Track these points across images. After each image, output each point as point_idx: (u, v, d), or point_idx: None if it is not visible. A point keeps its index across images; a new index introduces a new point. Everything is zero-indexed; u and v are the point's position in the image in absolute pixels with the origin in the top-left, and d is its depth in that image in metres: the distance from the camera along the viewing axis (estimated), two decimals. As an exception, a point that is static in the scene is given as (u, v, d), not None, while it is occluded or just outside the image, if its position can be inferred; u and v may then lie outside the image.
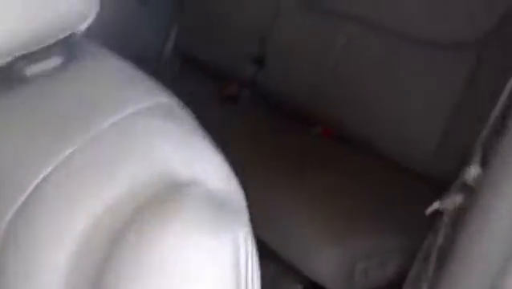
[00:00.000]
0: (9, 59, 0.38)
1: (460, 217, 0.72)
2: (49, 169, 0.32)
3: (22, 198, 0.32)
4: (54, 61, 0.40)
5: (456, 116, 1.28)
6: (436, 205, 0.79)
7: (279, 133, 1.52)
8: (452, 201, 0.76)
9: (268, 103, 1.72)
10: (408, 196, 1.20)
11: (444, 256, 0.71)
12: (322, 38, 1.57)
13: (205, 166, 0.34)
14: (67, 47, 0.41)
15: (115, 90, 0.39)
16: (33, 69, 0.39)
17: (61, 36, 0.39)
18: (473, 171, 0.72)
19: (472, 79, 1.26)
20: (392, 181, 1.27)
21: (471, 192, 0.71)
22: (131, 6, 1.84)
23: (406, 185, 1.26)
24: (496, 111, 0.75)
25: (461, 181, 0.75)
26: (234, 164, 1.34)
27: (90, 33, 0.42)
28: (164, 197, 0.31)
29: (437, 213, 0.82)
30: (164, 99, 0.40)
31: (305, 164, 1.33)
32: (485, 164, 0.71)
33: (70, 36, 0.40)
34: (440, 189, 0.95)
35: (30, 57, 0.38)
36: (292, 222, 1.17)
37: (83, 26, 0.40)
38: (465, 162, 0.91)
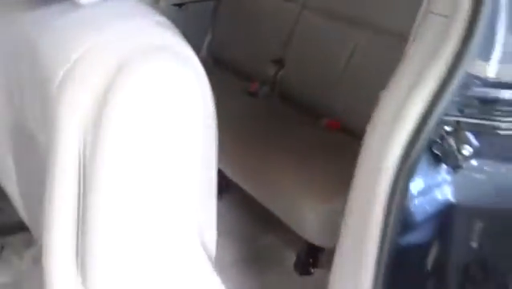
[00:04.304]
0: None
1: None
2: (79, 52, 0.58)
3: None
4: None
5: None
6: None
7: (288, 122, 1.75)
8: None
9: (284, 98, 1.97)
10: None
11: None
12: (334, 44, 1.81)
13: (174, 38, 0.59)
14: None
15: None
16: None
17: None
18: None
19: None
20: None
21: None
22: (171, 11, 2.15)
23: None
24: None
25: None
26: (246, 141, 1.61)
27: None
28: (150, 49, 0.55)
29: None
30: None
31: (304, 144, 1.57)
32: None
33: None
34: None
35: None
36: (286, 183, 1.40)
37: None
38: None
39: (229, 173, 1.56)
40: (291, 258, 1.60)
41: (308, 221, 1.32)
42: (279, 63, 2.04)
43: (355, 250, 0.86)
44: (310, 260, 1.54)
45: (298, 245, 1.59)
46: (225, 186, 1.67)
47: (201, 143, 0.64)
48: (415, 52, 0.76)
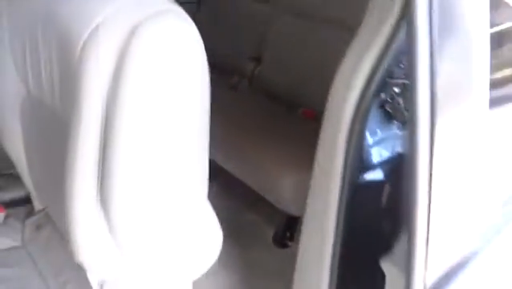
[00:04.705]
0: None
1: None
2: (102, 16, 0.72)
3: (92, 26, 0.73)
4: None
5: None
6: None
7: (266, 112, 1.92)
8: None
9: (262, 92, 2.13)
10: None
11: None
12: (306, 41, 1.99)
13: (174, 5, 0.74)
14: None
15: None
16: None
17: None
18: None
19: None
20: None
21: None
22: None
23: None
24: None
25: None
26: (230, 128, 1.77)
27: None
28: (158, 12, 0.70)
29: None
30: None
31: (282, 129, 1.73)
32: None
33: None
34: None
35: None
36: (266, 162, 1.55)
37: None
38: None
39: (215, 157, 1.70)
40: (271, 233, 1.75)
41: (284, 193, 1.47)
42: (257, 59, 2.20)
43: (319, 204, 1.01)
44: (288, 234, 1.70)
45: (277, 222, 1.74)
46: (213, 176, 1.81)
47: (200, 98, 0.79)
48: (365, 27, 0.92)
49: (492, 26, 1.25)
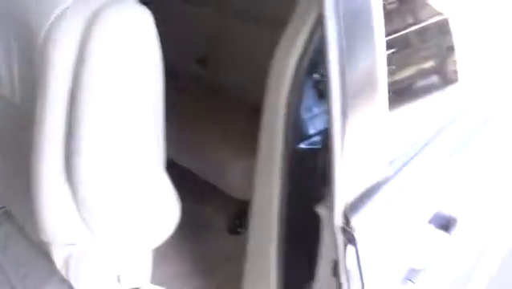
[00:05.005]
0: None
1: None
2: (65, 4, 0.79)
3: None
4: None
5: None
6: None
7: (214, 109, 2.02)
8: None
9: (210, 91, 2.23)
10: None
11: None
12: (249, 40, 2.11)
13: None
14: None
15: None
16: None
17: None
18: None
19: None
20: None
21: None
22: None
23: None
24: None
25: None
26: (180, 126, 1.86)
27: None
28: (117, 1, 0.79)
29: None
30: None
31: (229, 122, 1.84)
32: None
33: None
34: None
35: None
36: (216, 152, 1.65)
37: None
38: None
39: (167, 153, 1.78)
40: (224, 222, 1.85)
41: (233, 178, 1.58)
42: (203, 61, 2.30)
43: (264, 187, 1.11)
44: (237, 222, 1.80)
45: (229, 210, 1.84)
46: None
47: (155, 75, 0.87)
48: (297, 15, 1.05)
49: (415, 23, 1.39)
